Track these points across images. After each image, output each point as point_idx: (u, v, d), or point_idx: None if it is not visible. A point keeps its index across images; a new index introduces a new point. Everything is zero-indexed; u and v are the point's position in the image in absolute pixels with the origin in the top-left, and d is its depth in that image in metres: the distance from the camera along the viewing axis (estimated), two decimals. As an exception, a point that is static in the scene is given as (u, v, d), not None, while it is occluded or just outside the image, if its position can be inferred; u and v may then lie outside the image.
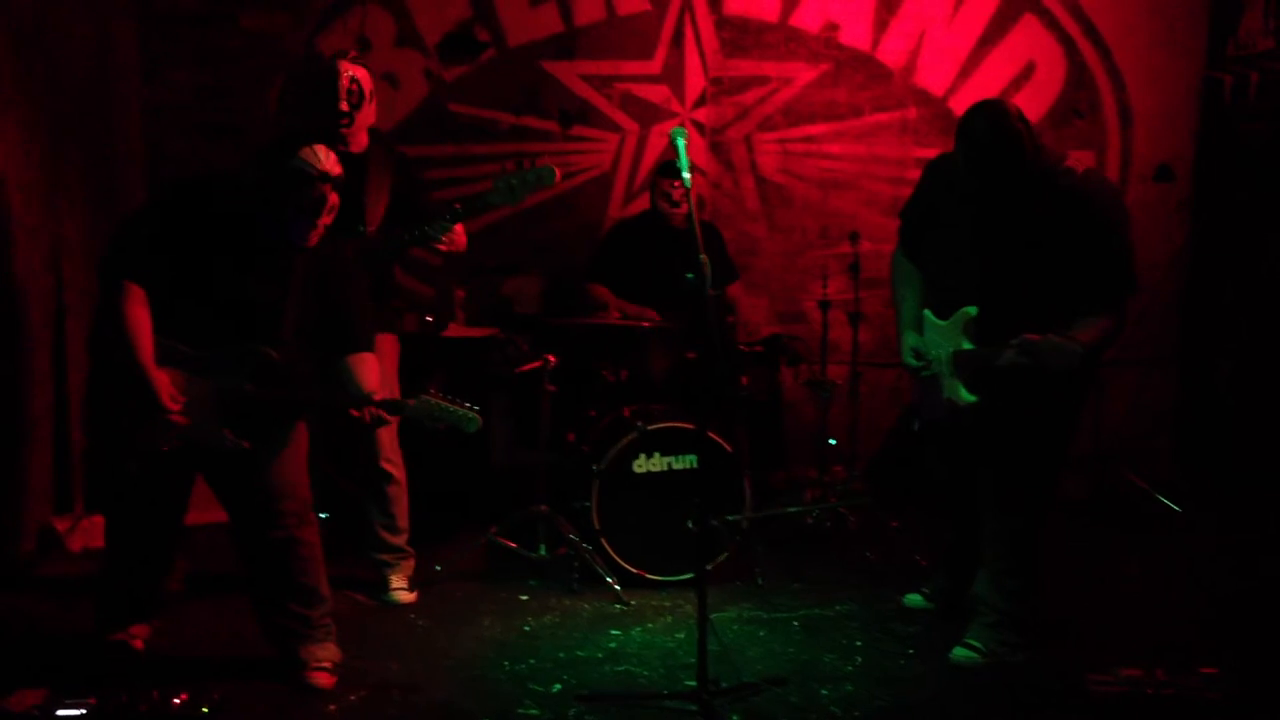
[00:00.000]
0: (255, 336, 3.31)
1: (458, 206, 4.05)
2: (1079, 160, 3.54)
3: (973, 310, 3.57)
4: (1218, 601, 4.29)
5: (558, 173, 4.07)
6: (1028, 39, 5.98)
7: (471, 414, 3.43)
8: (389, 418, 3.43)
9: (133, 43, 5.52)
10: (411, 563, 4.33)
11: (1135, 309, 5.72)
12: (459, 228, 4.10)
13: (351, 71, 4.00)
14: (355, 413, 3.36)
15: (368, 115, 4.08)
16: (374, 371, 3.47)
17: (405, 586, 4.26)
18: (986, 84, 5.85)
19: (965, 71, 5.98)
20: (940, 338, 3.70)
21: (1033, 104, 5.92)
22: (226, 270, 3.29)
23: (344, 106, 3.98)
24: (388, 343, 4.20)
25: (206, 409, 3.29)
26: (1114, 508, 5.52)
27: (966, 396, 3.61)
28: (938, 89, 5.98)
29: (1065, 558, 4.72)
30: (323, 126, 3.96)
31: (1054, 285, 3.47)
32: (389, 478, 4.22)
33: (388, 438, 4.20)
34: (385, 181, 4.16)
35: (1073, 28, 6.00)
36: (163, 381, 3.21)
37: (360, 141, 4.10)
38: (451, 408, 3.41)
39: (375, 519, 4.24)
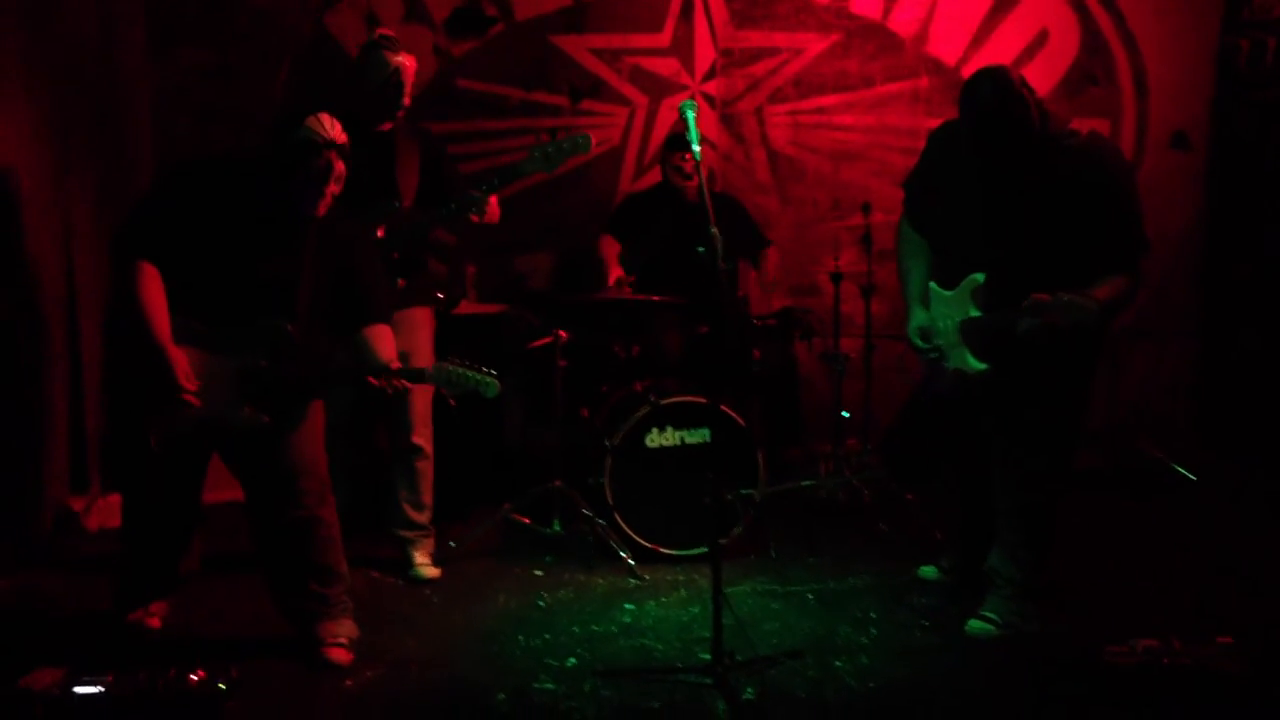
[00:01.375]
0: (271, 312, 3.31)
1: (495, 180, 4.18)
2: (1081, 126, 3.52)
3: (980, 277, 3.54)
4: (1235, 572, 4.26)
5: (594, 138, 4.21)
6: (1040, 6, 5.91)
7: (490, 379, 3.42)
8: (410, 385, 3.41)
9: (140, 22, 5.50)
10: (432, 540, 4.36)
11: (1154, 278, 5.71)
12: (493, 199, 4.20)
13: (398, 60, 4.12)
14: (376, 382, 3.35)
15: (405, 99, 4.19)
16: (390, 342, 3.47)
17: (429, 562, 4.28)
18: (999, 52, 5.79)
19: (978, 40, 5.92)
20: (947, 308, 3.68)
21: (1046, 72, 5.87)
22: (239, 246, 3.29)
23: (408, 102, 4.18)
24: (424, 315, 4.29)
25: (225, 386, 3.29)
26: (1132, 478, 5.50)
27: (975, 364, 3.59)
28: (950, 58, 5.93)
29: (1082, 528, 4.70)
30: (376, 113, 4.14)
31: (1062, 249, 3.44)
32: (420, 452, 4.25)
33: (421, 411, 4.23)
34: (413, 156, 4.23)
35: (1086, -7, 5.94)
36: (180, 360, 3.21)
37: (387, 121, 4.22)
38: (470, 373, 3.40)
39: (401, 494, 4.27)
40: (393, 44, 4.17)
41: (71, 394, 4.74)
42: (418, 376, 3.45)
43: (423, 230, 4.23)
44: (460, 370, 3.40)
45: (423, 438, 4.26)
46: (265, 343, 3.31)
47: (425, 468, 4.29)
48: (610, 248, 5.23)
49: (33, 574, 4.18)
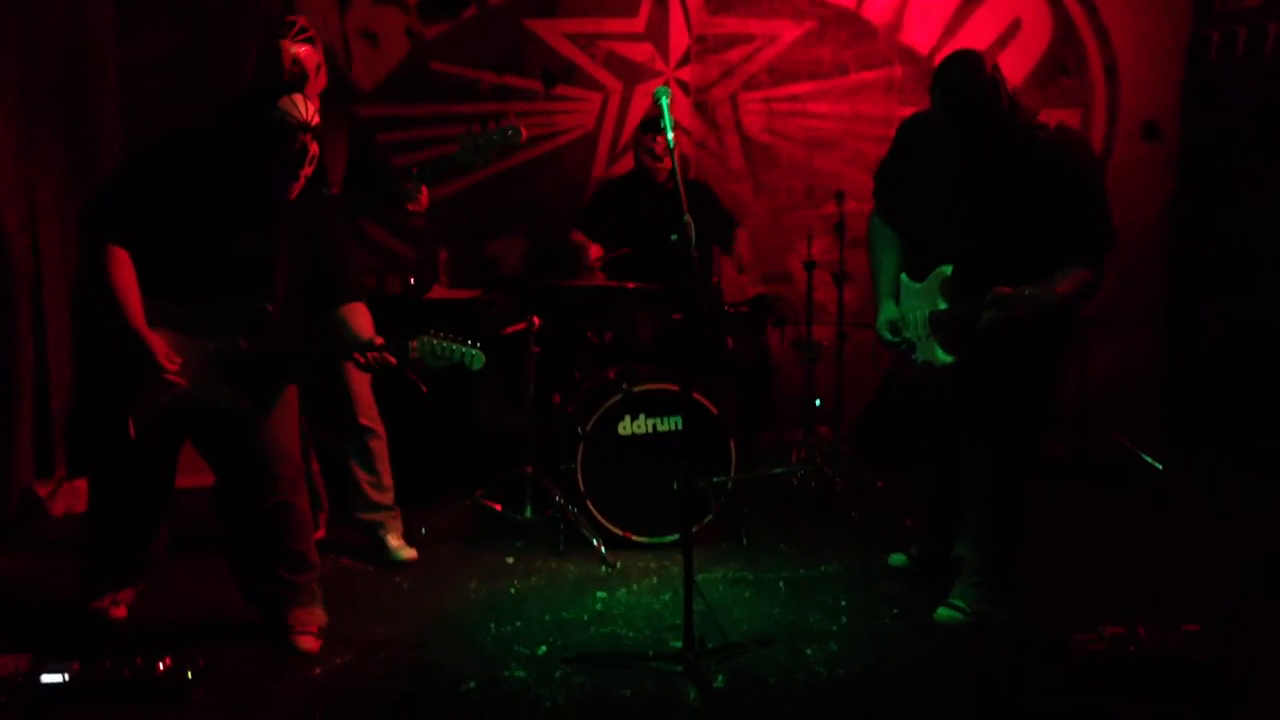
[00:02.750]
0: (249, 292, 3.28)
1: (415, 170, 4.09)
2: (1052, 116, 3.53)
3: (948, 269, 3.56)
4: (1201, 560, 4.31)
5: (524, 132, 4.10)
6: (1014, -5, 5.93)
7: (475, 351, 3.40)
8: (392, 360, 3.37)
9: (108, 2, 5.42)
10: (400, 519, 4.33)
11: (1121, 266, 5.75)
12: (423, 189, 4.11)
13: (294, 52, 4.00)
14: (360, 358, 3.32)
15: (315, 86, 4.05)
16: (368, 319, 3.45)
17: (404, 544, 4.27)
18: (972, 41, 5.80)
19: (950, 29, 5.93)
20: (916, 300, 3.69)
21: (1019, 61, 5.89)
22: (212, 225, 3.24)
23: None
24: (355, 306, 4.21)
25: (204, 368, 3.25)
26: (1099, 467, 5.55)
27: (943, 357, 3.60)
28: (923, 47, 5.94)
29: (1049, 517, 4.73)
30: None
31: (1030, 241, 3.45)
32: (370, 432, 4.22)
33: (363, 393, 4.19)
34: (340, 143, 4.15)
35: (1059, -17, 5.96)
36: (158, 343, 3.16)
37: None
38: (455, 345, 3.38)
39: (361, 477, 4.23)
40: (284, 30, 4.01)
41: (36, 377, 4.69)
42: (400, 350, 3.40)
43: (349, 217, 4.12)
44: (445, 343, 3.38)
45: (369, 418, 4.21)
46: (244, 322, 3.28)
47: (379, 447, 4.25)
48: (580, 237, 5.21)
49: (-3, 559, 4.14)
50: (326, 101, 4.12)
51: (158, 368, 3.15)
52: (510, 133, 4.07)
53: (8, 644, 3.17)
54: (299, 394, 4.21)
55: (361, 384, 4.18)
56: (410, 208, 4.12)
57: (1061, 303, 3.28)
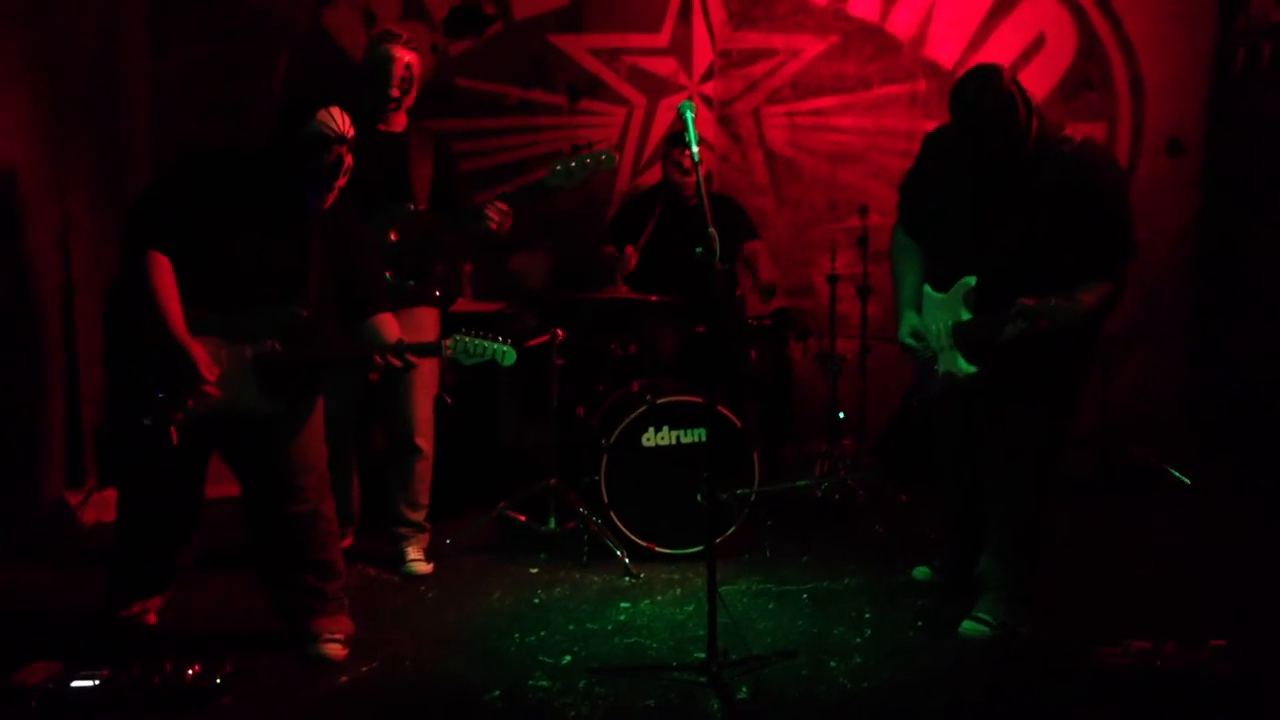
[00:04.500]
0: (283, 299, 3.32)
1: (520, 195, 4.21)
2: (1077, 130, 3.53)
3: (972, 280, 3.56)
4: (1228, 575, 4.28)
5: (617, 157, 4.22)
6: (1038, 10, 5.94)
7: (506, 347, 3.42)
8: (416, 360, 3.39)
9: (140, 16, 5.51)
10: (427, 536, 4.38)
11: (1146, 282, 5.74)
12: (505, 207, 4.18)
13: (407, 59, 4.16)
14: (379, 359, 3.35)
15: (410, 98, 4.21)
16: (395, 328, 3.50)
17: (422, 558, 4.30)
18: (996, 55, 5.80)
19: (975, 43, 5.94)
20: (939, 311, 3.70)
21: (1043, 76, 5.89)
22: (248, 235, 3.28)
23: (395, 93, 4.17)
24: (431, 317, 4.33)
25: (241, 373, 3.29)
26: (1124, 482, 5.52)
27: (966, 368, 3.60)
28: (947, 61, 5.95)
29: (1076, 531, 4.72)
30: (373, 107, 4.15)
31: (1053, 253, 3.45)
32: (420, 453, 4.28)
33: (424, 414, 4.26)
34: (427, 160, 4.26)
35: (1084, -2, 5.96)
36: (200, 352, 3.19)
37: (400, 121, 4.25)
38: (487, 342, 3.41)
39: (397, 495, 4.29)
40: (389, 37, 4.18)
41: (68, 387, 4.74)
42: (434, 349, 3.44)
43: (435, 236, 4.25)
44: (477, 340, 3.41)
45: (424, 438, 4.28)
46: (278, 327, 3.31)
47: (424, 470, 4.31)
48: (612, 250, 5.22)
49: (27, 567, 4.19)
50: (411, 116, 4.28)
51: (199, 377, 3.19)
52: (604, 158, 4.15)
53: (39, 651, 3.21)
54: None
55: (424, 404, 4.24)
56: (494, 228, 4.18)
57: (1087, 314, 3.28)
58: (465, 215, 4.19)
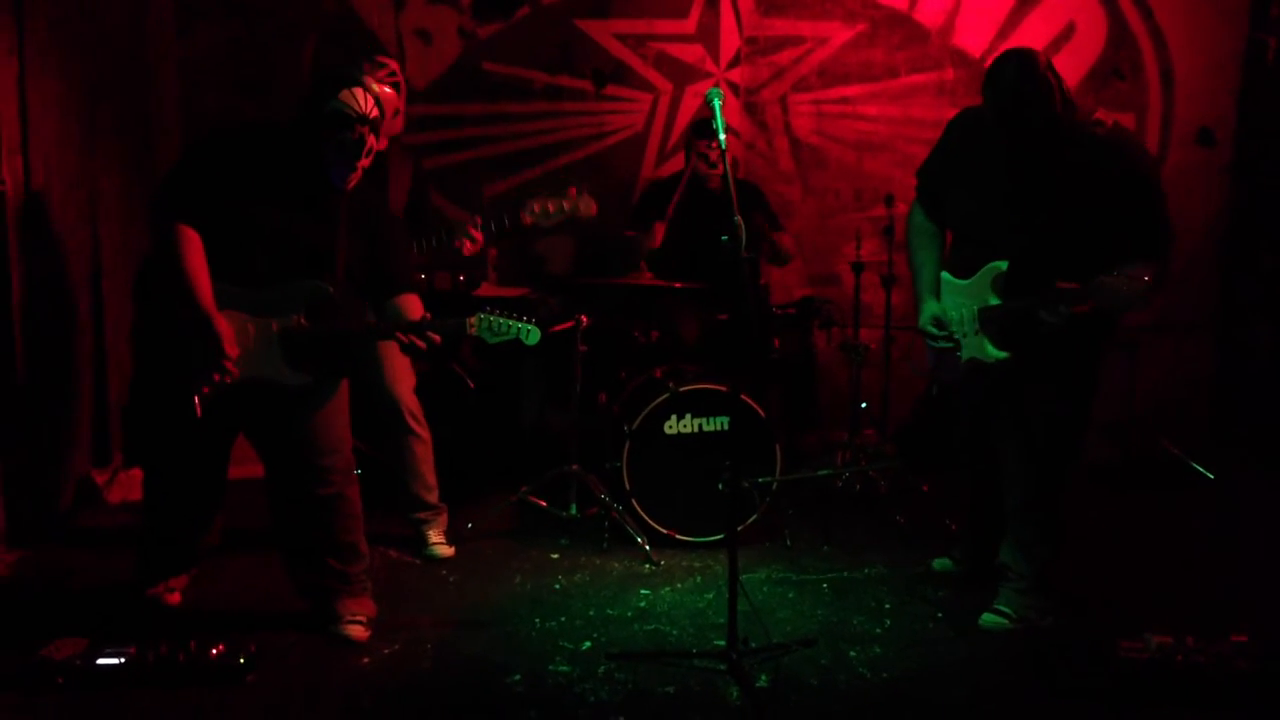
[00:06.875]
0: (310, 275, 3.33)
1: (491, 226, 4.29)
2: (1106, 119, 3.50)
3: (1002, 265, 3.53)
4: (1250, 570, 4.26)
5: (595, 206, 4.34)
6: (1068, -1, 5.89)
7: (531, 325, 3.43)
8: (437, 339, 3.39)
9: (168, -1, 5.53)
10: (445, 517, 4.39)
11: (1174, 273, 5.68)
12: (479, 235, 4.28)
13: (377, 91, 3.86)
14: (403, 337, 3.36)
15: (391, 128, 4.12)
16: (419, 305, 3.52)
17: (443, 541, 4.32)
18: (1025, 44, 5.72)
19: (1004, 32, 5.89)
20: (962, 297, 3.67)
21: (1073, 65, 5.84)
22: (275, 211, 3.31)
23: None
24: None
25: (268, 347, 3.31)
26: (1148, 474, 5.49)
27: (994, 353, 3.57)
28: (975, 50, 5.90)
29: (1098, 523, 4.71)
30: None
31: (1085, 237, 3.43)
32: (416, 435, 4.28)
33: (410, 397, 4.26)
34: (404, 177, 4.32)
35: (1114, -13, 5.90)
36: (225, 328, 3.20)
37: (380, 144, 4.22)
38: (511, 321, 3.41)
39: (407, 480, 4.30)
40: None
41: (95, 367, 4.78)
42: (459, 327, 3.42)
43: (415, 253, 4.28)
44: (501, 319, 3.41)
45: (415, 421, 4.28)
46: (305, 301, 3.33)
47: (424, 451, 4.32)
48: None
49: (54, 546, 4.23)
50: (395, 142, 4.27)
51: (223, 352, 3.19)
52: (582, 205, 4.29)
53: (65, 628, 3.25)
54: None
55: (405, 393, 4.25)
56: (462, 251, 4.28)
57: (1146, 291, 3.17)
58: (441, 237, 4.26)
